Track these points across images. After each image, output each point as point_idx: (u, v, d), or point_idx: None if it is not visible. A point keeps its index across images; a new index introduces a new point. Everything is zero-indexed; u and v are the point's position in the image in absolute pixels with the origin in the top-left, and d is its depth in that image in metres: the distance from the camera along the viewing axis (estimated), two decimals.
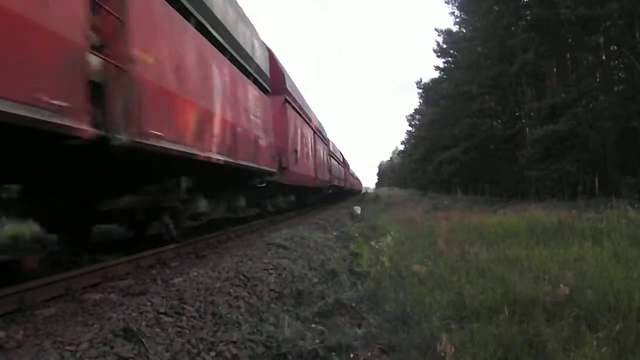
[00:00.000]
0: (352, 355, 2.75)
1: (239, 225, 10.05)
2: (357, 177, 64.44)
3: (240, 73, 8.25)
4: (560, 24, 16.47)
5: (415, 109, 54.00)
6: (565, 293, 3.40)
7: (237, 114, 7.85)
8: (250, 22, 9.23)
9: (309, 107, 18.54)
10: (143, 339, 2.44)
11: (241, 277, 4.13)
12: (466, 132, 26.32)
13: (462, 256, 5.47)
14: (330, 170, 24.01)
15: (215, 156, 6.55)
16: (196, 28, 6.08)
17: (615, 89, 17.86)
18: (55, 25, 3.18)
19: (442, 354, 2.51)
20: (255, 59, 9.32)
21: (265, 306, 3.58)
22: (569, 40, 18.95)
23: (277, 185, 12.02)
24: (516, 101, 24.92)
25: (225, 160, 6.93)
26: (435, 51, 32.00)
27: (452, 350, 2.53)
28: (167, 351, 2.42)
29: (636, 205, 9.56)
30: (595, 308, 3.17)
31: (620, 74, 19.17)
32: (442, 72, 32.78)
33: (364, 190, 77.47)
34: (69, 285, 4.04)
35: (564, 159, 16.88)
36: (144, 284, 4.54)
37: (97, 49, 3.77)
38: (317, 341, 2.84)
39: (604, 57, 18.53)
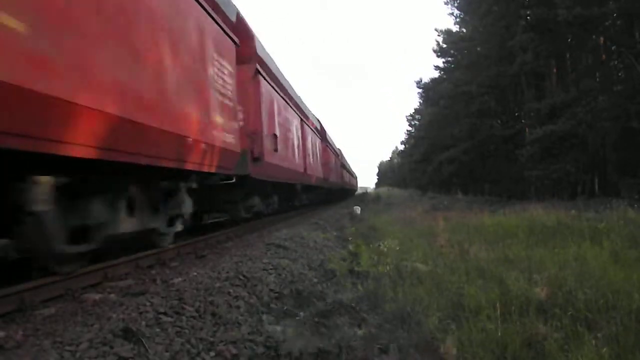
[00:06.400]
0: (351, 356, 2.75)
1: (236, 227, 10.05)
2: (354, 175, 61.78)
3: None
4: (559, 24, 16.46)
5: (415, 109, 54.11)
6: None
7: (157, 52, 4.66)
8: None
9: (292, 87, 15.32)
10: (143, 339, 2.44)
11: (241, 277, 4.13)
12: (466, 132, 26.34)
13: (461, 256, 5.47)
14: (325, 166, 22.78)
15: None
16: None
17: (615, 89, 17.86)
18: None
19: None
20: None
21: (265, 306, 3.58)
22: (569, 40, 18.95)
23: (251, 182, 9.15)
24: (516, 101, 24.93)
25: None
26: (435, 51, 32.05)
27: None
28: (166, 351, 2.43)
29: (635, 206, 9.56)
30: (594, 308, 3.18)
31: (620, 74, 19.17)
32: (442, 72, 32.80)
33: (361, 191, 76.00)
34: (68, 285, 4.05)
35: (564, 159, 16.89)
36: (143, 284, 4.55)
37: None
38: (316, 341, 2.83)
39: (603, 57, 18.54)
